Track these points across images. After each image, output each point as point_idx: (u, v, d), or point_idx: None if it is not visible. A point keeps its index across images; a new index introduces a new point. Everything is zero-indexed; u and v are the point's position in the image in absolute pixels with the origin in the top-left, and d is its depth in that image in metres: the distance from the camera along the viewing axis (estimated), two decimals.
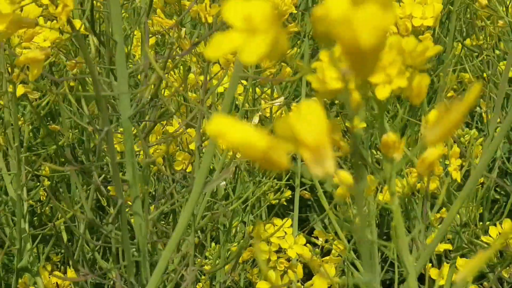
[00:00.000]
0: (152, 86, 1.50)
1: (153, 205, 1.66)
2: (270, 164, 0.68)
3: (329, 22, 0.64)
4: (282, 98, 1.99)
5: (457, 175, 1.81)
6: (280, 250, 2.03)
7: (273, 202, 2.27)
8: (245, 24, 0.65)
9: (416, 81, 0.85)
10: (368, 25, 0.62)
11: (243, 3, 0.66)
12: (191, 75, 1.95)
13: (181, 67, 1.91)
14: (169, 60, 1.55)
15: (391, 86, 0.85)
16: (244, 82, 1.93)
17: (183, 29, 1.68)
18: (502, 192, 2.55)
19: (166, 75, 1.79)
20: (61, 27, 1.42)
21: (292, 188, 2.32)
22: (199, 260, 1.91)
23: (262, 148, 0.67)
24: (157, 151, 1.77)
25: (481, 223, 1.88)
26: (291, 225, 2.08)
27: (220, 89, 1.96)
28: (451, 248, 1.85)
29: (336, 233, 2.18)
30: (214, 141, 1.34)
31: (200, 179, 1.30)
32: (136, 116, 1.61)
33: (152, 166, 1.80)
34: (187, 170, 1.91)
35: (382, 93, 0.86)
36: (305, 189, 2.39)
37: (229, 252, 2.11)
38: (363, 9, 0.62)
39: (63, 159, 2.04)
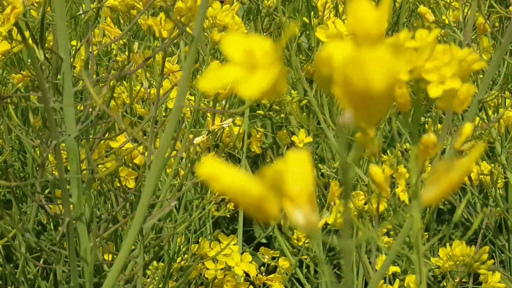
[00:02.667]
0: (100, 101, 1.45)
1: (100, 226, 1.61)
2: (261, 213, 0.66)
3: (337, 64, 0.62)
4: (230, 120, 1.95)
5: (404, 197, 1.80)
6: (226, 268, 2.01)
7: (217, 214, 2.24)
8: (245, 59, 0.63)
9: (464, 89, 0.83)
10: (381, 68, 0.60)
11: (243, 38, 0.64)
12: (141, 89, 1.91)
13: (129, 81, 1.86)
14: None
15: (444, 86, 0.83)
16: (191, 98, 1.90)
17: (136, 43, 1.63)
18: (445, 202, 2.56)
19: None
20: (7, 36, 1.36)
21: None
22: (146, 280, 1.86)
23: (257, 195, 0.64)
24: (104, 168, 1.72)
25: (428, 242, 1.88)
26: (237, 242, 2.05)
27: (170, 105, 1.92)
28: (399, 270, 1.84)
29: (281, 250, 2.16)
30: (161, 160, 1.29)
31: (145, 199, 1.25)
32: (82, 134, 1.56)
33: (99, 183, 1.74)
34: (129, 186, 1.87)
35: (435, 91, 0.84)
36: None
37: (171, 271, 2.06)
38: (375, 52, 0.60)
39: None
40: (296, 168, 0.65)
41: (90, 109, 1.55)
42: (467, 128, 1.06)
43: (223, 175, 0.64)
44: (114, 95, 1.92)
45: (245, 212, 0.70)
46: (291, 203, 0.65)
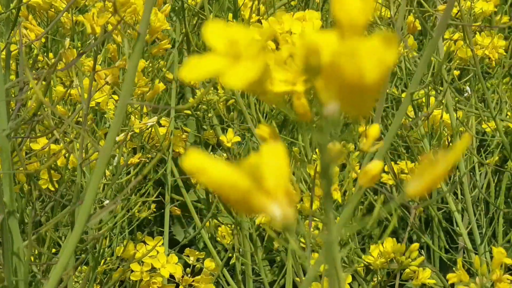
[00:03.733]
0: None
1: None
2: (247, 207, 0.64)
3: (326, 55, 0.61)
4: (155, 118, 1.92)
5: (337, 196, 1.81)
6: (152, 270, 1.98)
7: (142, 216, 2.20)
8: (229, 48, 0.62)
9: None
10: (374, 59, 0.59)
11: (226, 26, 0.63)
12: (59, 88, 1.86)
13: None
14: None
15: None
16: (115, 97, 1.86)
17: (67, 40, 1.58)
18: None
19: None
20: None
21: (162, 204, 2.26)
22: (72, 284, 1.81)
23: (244, 188, 0.63)
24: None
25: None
26: (163, 244, 2.03)
27: (92, 104, 1.87)
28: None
29: (207, 251, 2.15)
30: (106, 159, 1.26)
31: (89, 198, 1.22)
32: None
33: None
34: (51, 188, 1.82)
35: None
36: (175, 205, 2.33)
37: (95, 274, 2.02)
38: (368, 43, 0.59)
39: None
40: (271, 161, 0.63)
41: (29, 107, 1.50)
42: (374, 129, 1.06)
43: (210, 168, 0.62)
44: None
45: (229, 206, 0.68)
46: (268, 197, 0.63)
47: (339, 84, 0.60)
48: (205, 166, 0.62)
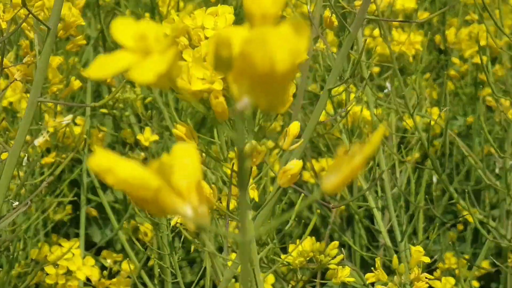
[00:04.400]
0: None
1: None
2: (159, 207, 0.63)
3: (237, 46, 0.59)
4: (70, 116, 1.86)
5: (254, 194, 1.79)
6: (68, 273, 1.92)
7: (58, 218, 2.15)
8: (138, 44, 0.60)
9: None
10: (285, 47, 0.57)
11: (134, 22, 0.61)
12: None
13: None
14: None
15: None
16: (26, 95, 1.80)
17: None
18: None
19: None
20: None
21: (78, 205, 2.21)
22: None
23: (154, 188, 0.61)
24: None
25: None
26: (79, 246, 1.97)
27: (5, 103, 1.82)
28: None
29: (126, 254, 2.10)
30: (15, 159, 1.21)
31: None
32: None
33: None
34: None
35: None
36: (92, 206, 2.28)
37: (9, 278, 1.96)
38: (278, 31, 0.57)
39: None
40: (183, 161, 0.62)
41: None
42: (294, 127, 1.04)
43: (117, 168, 0.61)
44: None
45: (141, 206, 0.65)
46: (179, 197, 0.62)
47: (251, 76, 0.59)
48: (112, 166, 0.61)
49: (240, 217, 0.70)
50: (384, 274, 1.46)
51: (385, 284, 1.47)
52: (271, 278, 2.02)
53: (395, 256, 1.42)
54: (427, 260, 1.44)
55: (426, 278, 1.42)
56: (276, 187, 1.61)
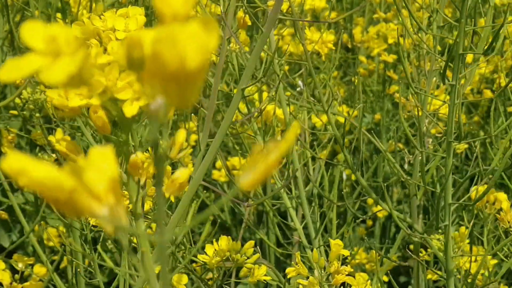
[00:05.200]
0: None
1: None
2: (74, 209, 0.63)
3: (148, 46, 0.59)
4: None
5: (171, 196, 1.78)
6: None
7: None
8: (48, 46, 0.60)
9: None
10: (194, 44, 0.57)
11: (43, 25, 0.61)
12: None
13: None
14: None
15: (139, 102, 0.83)
16: None
17: None
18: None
19: None
20: None
21: None
22: None
23: (69, 188, 0.61)
24: None
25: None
26: None
27: None
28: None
29: (38, 257, 2.06)
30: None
31: None
32: None
33: None
34: None
35: (130, 110, 0.85)
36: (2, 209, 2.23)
37: None
38: (187, 29, 0.57)
39: None
40: (99, 163, 0.62)
41: None
42: (180, 135, 1.04)
43: (31, 169, 0.60)
44: None
45: (56, 208, 0.65)
46: (94, 198, 0.62)
47: (163, 75, 0.59)
48: (26, 168, 0.61)
49: (157, 218, 0.70)
50: (304, 268, 1.48)
51: (305, 278, 1.48)
52: (184, 278, 2.01)
53: (315, 250, 1.44)
54: (346, 253, 1.46)
55: (345, 271, 1.44)
56: (190, 187, 1.61)
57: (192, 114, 1.78)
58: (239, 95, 1.53)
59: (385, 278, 2.46)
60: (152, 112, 0.62)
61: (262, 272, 1.77)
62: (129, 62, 0.64)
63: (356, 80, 2.99)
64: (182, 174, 1.03)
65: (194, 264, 1.95)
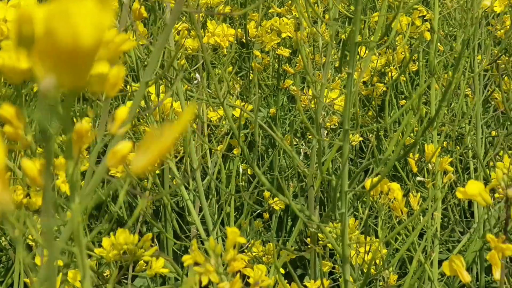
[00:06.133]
0: None
1: None
2: None
3: (40, 21, 0.57)
4: None
5: (65, 188, 1.76)
6: None
7: None
8: None
9: (113, 72, 0.79)
10: (89, 21, 0.56)
11: None
12: None
13: None
14: None
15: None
16: None
17: None
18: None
19: None
20: None
21: None
22: None
23: None
24: None
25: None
26: None
27: None
28: (61, 264, 1.78)
29: None
30: None
31: None
32: None
33: None
34: None
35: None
36: None
37: None
38: (82, 5, 0.56)
39: None
40: None
41: None
42: (122, 111, 1.04)
43: None
44: None
45: None
46: None
47: (54, 53, 0.57)
48: None
49: (44, 205, 0.69)
50: (201, 255, 1.47)
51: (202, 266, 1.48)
52: (79, 274, 1.98)
53: (211, 238, 1.44)
54: (243, 240, 1.46)
55: (241, 259, 1.44)
56: (93, 179, 1.58)
57: (88, 107, 1.75)
58: (143, 88, 1.52)
59: (282, 271, 2.49)
60: (41, 91, 0.60)
61: (159, 265, 1.76)
62: (19, 38, 0.62)
63: (252, 75, 3.01)
64: (123, 147, 1.01)
65: (89, 260, 1.93)
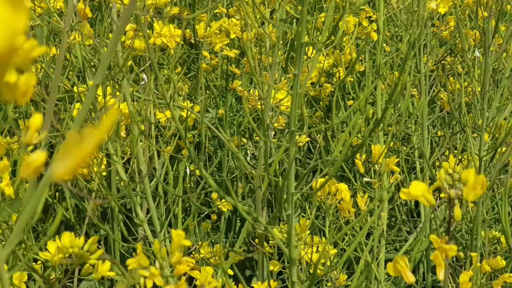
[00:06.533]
0: None
1: None
2: None
3: None
4: None
5: (9, 191, 1.74)
6: None
7: None
8: None
9: (23, 79, 0.77)
10: (1, 25, 0.54)
11: None
12: None
13: None
14: None
15: None
16: None
17: None
18: None
19: None
20: None
21: None
22: None
23: None
24: None
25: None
26: None
27: None
28: (6, 268, 1.76)
29: None
30: None
31: None
32: None
33: None
34: None
35: None
36: None
37: None
38: None
39: None
40: None
41: None
42: (36, 120, 1.02)
43: None
44: None
45: None
46: None
47: None
48: None
49: None
50: (145, 259, 1.46)
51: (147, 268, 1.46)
52: (23, 276, 1.96)
53: (156, 240, 1.43)
54: (188, 243, 1.45)
55: (187, 262, 1.43)
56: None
57: (32, 109, 1.73)
58: (93, 90, 1.50)
59: (230, 272, 2.48)
60: None
61: (106, 268, 1.75)
62: None
63: (202, 74, 3.00)
64: (38, 157, 1.00)
65: (34, 264, 1.90)
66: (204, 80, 2.95)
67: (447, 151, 2.43)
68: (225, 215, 2.97)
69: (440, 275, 1.15)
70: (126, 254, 2.42)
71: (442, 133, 2.72)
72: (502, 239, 2.21)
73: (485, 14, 2.15)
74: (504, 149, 2.07)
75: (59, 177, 0.59)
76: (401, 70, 1.46)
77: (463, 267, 2.14)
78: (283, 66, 2.10)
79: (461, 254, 1.67)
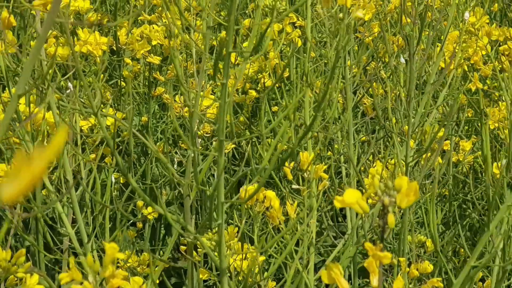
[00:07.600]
0: None
1: None
2: None
3: None
4: None
5: None
6: None
7: None
8: None
9: None
10: None
11: None
12: None
13: None
14: None
15: None
16: None
17: None
18: None
19: None
20: None
21: None
22: None
23: None
24: None
25: None
26: None
27: None
28: None
29: None
30: None
31: None
32: None
33: None
34: None
35: None
36: None
37: None
38: None
39: None
40: None
41: None
42: None
43: None
44: None
45: None
46: None
47: None
48: None
49: None
50: (78, 273, 1.44)
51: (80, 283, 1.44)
52: None
53: (89, 254, 1.41)
54: (122, 256, 1.43)
55: (120, 274, 1.41)
56: None
57: None
58: (15, 100, 1.46)
59: (157, 280, 2.46)
60: None
61: (34, 281, 1.71)
62: None
63: (123, 83, 2.97)
64: None
65: None
66: (129, 88, 2.92)
67: (371, 156, 2.46)
68: (149, 223, 2.95)
69: (374, 281, 1.16)
70: (49, 265, 2.38)
71: (366, 138, 2.75)
72: (428, 243, 2.25)
73: (409, 20, 2.19)
74: (429, 154, 2.11)
75: (7, 200, 0.57)
76: (329, 78, 1.46)
77: (389, 271, 2.16)
78: (210, 73, 2.09)
79: (394, 261, 1.70)
